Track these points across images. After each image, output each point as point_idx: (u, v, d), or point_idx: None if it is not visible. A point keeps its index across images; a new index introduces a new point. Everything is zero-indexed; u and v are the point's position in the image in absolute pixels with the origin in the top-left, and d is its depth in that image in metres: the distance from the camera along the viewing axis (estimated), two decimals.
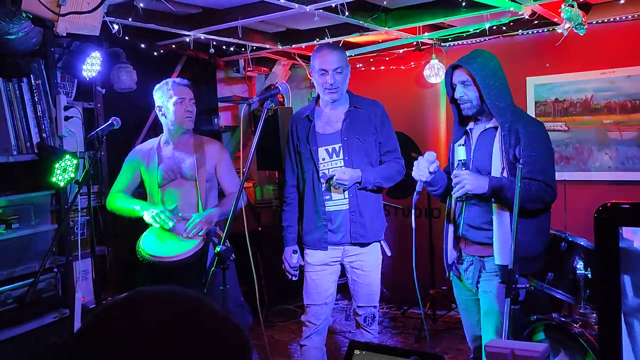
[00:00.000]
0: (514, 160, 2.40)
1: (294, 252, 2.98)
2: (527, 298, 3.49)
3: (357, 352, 1.68)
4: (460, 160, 2.45)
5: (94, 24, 2.30)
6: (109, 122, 2.90)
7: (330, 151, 2.91)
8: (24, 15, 2.20)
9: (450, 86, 2.59)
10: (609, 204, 0.85)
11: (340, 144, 2.89)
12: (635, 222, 0.85)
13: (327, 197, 2.89)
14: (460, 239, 2.64)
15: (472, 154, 2.57)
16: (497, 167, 2.47)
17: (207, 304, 0.77)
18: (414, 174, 2.53)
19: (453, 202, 2.65)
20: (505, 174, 2.44)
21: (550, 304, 3.54)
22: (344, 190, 2.85)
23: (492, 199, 2.44)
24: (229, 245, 2.51)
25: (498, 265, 2.45)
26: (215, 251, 2.45)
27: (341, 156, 2.88)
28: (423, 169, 2.49)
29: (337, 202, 2.89)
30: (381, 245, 3.02)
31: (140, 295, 0.76)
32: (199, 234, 2.84)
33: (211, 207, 3.02)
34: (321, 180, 2.90)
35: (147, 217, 2.88)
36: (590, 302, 2.87)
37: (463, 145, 2.51)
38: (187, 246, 2.80)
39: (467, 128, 2.63)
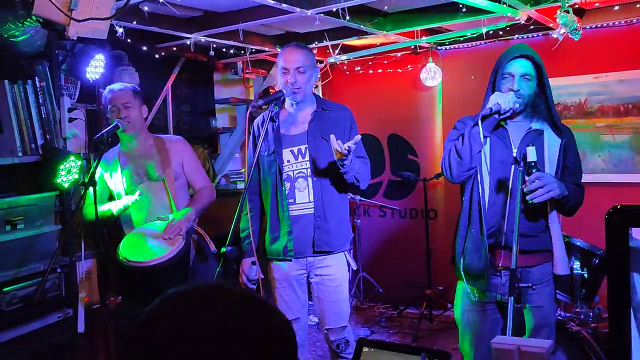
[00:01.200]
0: (564, 166, 2.36)
1: (252, 263, 2.79)
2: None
3: (365, 349, 1.73)
4: (531, 161, 2.19)
5: (102, 28, 2.34)
6: (114, 123, 2.92)
7: (296, 152, 2.76)
8: (34, 19, 2.23)
9: (501, 75, 2.36)
10: (619, 206, 0.91)
11: (307, 145, 2.74)
12: None
13: (291, 200, 2.73)
14: (496, 248, 2.36)
15: (514, 155, 2.37)
16: (552, 175, 2.31)
17: (260, 298, 0.83)
18: (499, 98, 2.28)
19: (486, 203, 2.37)
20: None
21: None
22: (341, 165, 2.56)
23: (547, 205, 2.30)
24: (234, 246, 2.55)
25: (553, 275, 2.37)
26: (221, 251, 2.47)
27: (307, 157, 2.73)
28: (511, 99, 2.28)
29: (301, 205, 2.74)
30: (346, 257, 2.83)
31: (201, 288, 0.81)
32: (180, 235, 2.84)
33: (183, 204, 3.03)
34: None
35: (123, 201, 2.96)
36: (586, 302, 2.94)
37: (532, 145, 2.22)
38: (167, 248, 2.79)
39: (502, 124, 2.39)
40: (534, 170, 2.17)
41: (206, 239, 3.01)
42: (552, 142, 2.35)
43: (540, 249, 2.35)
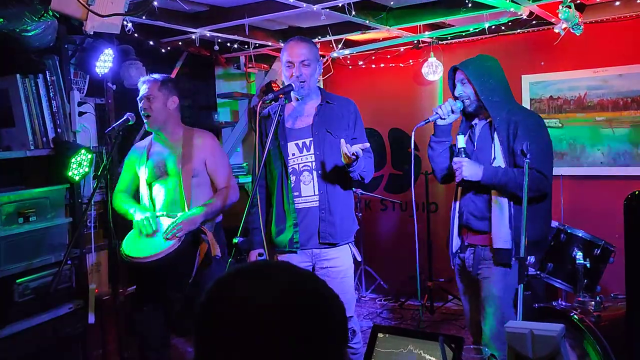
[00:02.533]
0: (512, 152, 2.61)
1: (259, 255, 2.82)
2: (529, 287, 3.64)
3: (380, 335, 1.78)
4: (460, 147, 2.63)
5: (116, 23, 2.37)
6: (125, 117, 2.92)
7: (301, 146, 2.78)
8: (50, 14, 2.26)
9: (453, 85, 2.81)
10: (637, 192, 0.97)
11: (311, 138, 2.76)
12: None
13: (297, 193, 2.77)
14: (463, 228, 2.79)
15: (475, 147, 2.75)
16: (498, 160, 2.66)
17: (320, 280, 0.89)
18: (436, 108, 2.77)
19: (459, 191, 2.81)
20: (504, 165, 2.63)
21: (546, 293, 3.68)
22: (351, 164, 2.62)
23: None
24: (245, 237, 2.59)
25: (495, 249, 2.62)
26: (233, 242, 2.51)
27: (312, 151, 2.76)
28: (447, 105, 2.73)
29: (307, 198, 2.77)
30: (351, 249, 2.87)
31: (266, 264, 0.86)
32: (177, 236, 2.81)
33: (200, 203, 2.95)
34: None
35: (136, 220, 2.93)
36: (588, 291, 3.01)
37: (463, 134, 2.69)
38: (161, 247, 2.80)
39: (472, 122, 2.82)
40: (461, 155, 2.62)
41: (212, 242, 2.96)
42: (499, 132, 2.66)
43: (485, 230, 2.68)
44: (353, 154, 2.53)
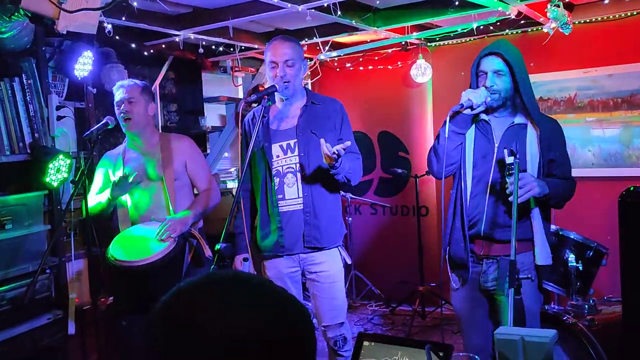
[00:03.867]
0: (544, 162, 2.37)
1: (244, 259, 2.75)
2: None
3: (366, 343, 1.70)
4: (509, 163, 2.22)
5: (92, 23, 2.29)
6: (104, 121, 2.87)
7: (285, 147, 2.72)
8: (22, 14, 2.18)
9: (476, 74, 2.44)
10: (632, 188, 0.90)
11: (296, 140, 2.70)
12: None
13: (280, 195, 2.70)
14: (477, 238, 2.43)
15: (495, 149, 2.41)
16: (534, 168, 2.36)
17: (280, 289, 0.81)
18: (470, 94, 2.35)
19: (467, 196, 2.45)
20: (540, 175, 2.38)
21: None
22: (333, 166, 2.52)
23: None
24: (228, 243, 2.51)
25: (534, 265, 2.37)
26: (215, 248, 2.44)
27: (296, 152, 2.69)
28: (482, 94, 2.35)
29: (290, 201, 2.70)
30: (340, 253, 2.79)
31: (219, 277, 0.78)
32: (171, 237, 2.76)
33: (184, 206, 2.94)
34: None
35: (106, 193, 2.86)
36: (581, 294, 2.95)
37: (507, 149, 2.29)
38: (155, 249, 2.72)
39: (482, 117, 2.45)
40: (513, 172, 2.21)
41: (202, 244, 2.93)
42: (533, 137, 2.39)
43: (518, 238, 2.27)
44: (334, 153, 2.43)
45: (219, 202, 3.07)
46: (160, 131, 3.16)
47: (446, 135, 2.36)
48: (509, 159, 2.22)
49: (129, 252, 2.74)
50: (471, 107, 2.35)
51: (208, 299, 0.76)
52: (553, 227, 3.03)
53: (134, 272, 2.71)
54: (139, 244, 2.77)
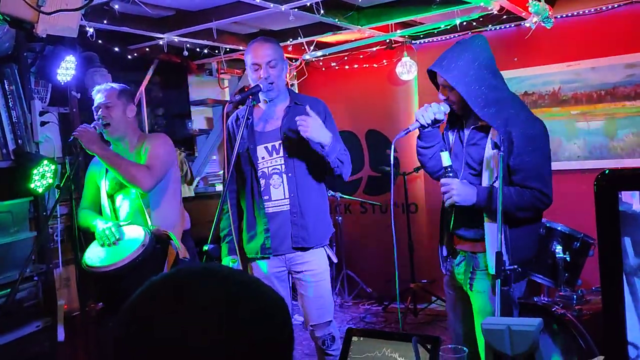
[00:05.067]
0: (509, 169, 2.24)
1: (233, 261, 2.74)
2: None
3: (355, 339, 1.71)
4: (446, 166, 2.27)
5: (72, 26, 2.28)
6: (92, 125, 2.79)
7: (270, 149, 2.72)
8: (1, 18, 2.16)
9: (436, 85, 2.42)
10: (607, 171, 0.90)
11: (280, 141, 2.69)
12: (633, 186, 0.90)
13: (267, 197, 2.69)
14: (452, 234, 2.51)
15: (464, 148, 2.40)
16: (487, 175, 2.30)
17: (257, 280, 0.80)
18: (417, 113, 2.38)
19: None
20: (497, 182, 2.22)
21: (529, 289, 3.64)
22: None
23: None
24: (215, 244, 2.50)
25: (492, 275, 2.24)
26: (204, 249, 2.43)
27: (281, 153, 2.69)
28: (430, 113, 2.33)
29: (277, 202, 2.70)
30: (326, 252, 2.79)
31: (182, 274, 0.78)
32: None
33: (163, 209, 2.85)
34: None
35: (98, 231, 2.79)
36: (569, 285, 2.97)
37: (446, 150, 2.31)
38: (123, 254, 2.66)
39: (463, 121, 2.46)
40: (449, 175, 2.25)
41: (179, 246, 2.84)
42: (491, 141, 2.29)
43: (479, 238, 2.34)
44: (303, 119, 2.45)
45: (143, 184, 2.77)
46: (143, 132, 3.06)
47: (390, 158, 2.47)
48: (445, 162, 2.25)
49: (99, 257, 2.69)
50: (423, 126, 2.39)
51: (171, 291, 0.75)
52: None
53: (106, 277, 2.67)
54: (109, 249, 2.71)
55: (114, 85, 2.95)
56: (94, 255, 2.71)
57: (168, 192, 2.93)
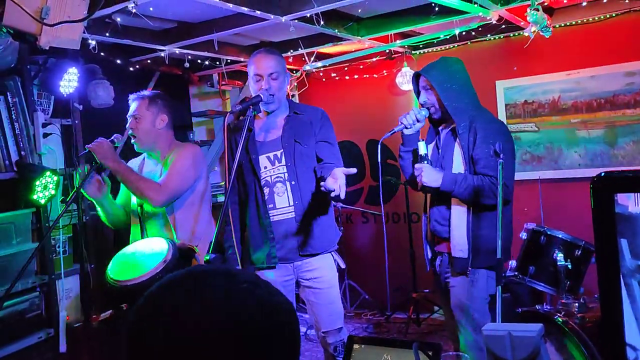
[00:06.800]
0: (472, 159, 2.57)
1: None
2: (510, 291, 3.58)
3: (356, 346, 1.71)
4: (421, 154, 2.61)
5: (74, 38, 2.30)
6: (110, 139, 2.75)
7: (272, 158, 2.74)
8: (4, 31, 2.19)
9: (418, 92, 2.76)
10: (603, 173, 0.91)
11: (282, 150, 2.72)
12: (629, 188, 0.91)
13: (271, 205, 2.70)
14: (432, 235, 2.78)
15: (439, 153, 2.72)
16: (457, 166, 2.62)
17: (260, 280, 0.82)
18: (400, 116, 2.71)
19: (427, 199, 2.82)
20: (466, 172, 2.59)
21: (531, 298, 3.63)
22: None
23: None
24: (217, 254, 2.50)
25: (454, 258, 2.60)
26: (205, 259, 2.43)
27: (283, 162, 2.71)
28: (411, 114, 2.67)
29: (282, 210, 2.70)
30: (334, 258, 2.80)
31: (199, 270, 0.79)
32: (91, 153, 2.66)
33: (187, 223, 2.81)
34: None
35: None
36: (571, 293, 2.96)
37: (426, 141, 2.67)
38: (146, 269, 2.61)
39: (439, 128, 2.78)
40: (425, 162, 2.59)
41: (198, 260, 2.79)
42: (461, 139, 2.61)
43: (447, 236, 2.66)
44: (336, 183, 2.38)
45: (154, 199, 2.73)
46: (176, 141, 2.97)
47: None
48: (422, 150, 2.60)
49: (127, 270, 2.65)
50: (406, 127, 2.69)
51: (182, 289, 0.77)
52: (532, 225, 3.09)
53: (130, 291, 2.63)
54: (134, 263, 2.68)
55: (146, 93, 2.89)
56: (120, 269, 2.66)
57: (194, 204, 2.88)
